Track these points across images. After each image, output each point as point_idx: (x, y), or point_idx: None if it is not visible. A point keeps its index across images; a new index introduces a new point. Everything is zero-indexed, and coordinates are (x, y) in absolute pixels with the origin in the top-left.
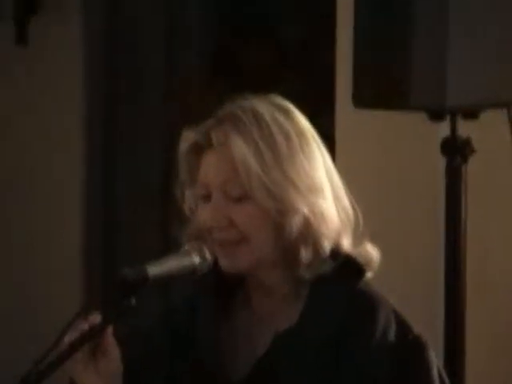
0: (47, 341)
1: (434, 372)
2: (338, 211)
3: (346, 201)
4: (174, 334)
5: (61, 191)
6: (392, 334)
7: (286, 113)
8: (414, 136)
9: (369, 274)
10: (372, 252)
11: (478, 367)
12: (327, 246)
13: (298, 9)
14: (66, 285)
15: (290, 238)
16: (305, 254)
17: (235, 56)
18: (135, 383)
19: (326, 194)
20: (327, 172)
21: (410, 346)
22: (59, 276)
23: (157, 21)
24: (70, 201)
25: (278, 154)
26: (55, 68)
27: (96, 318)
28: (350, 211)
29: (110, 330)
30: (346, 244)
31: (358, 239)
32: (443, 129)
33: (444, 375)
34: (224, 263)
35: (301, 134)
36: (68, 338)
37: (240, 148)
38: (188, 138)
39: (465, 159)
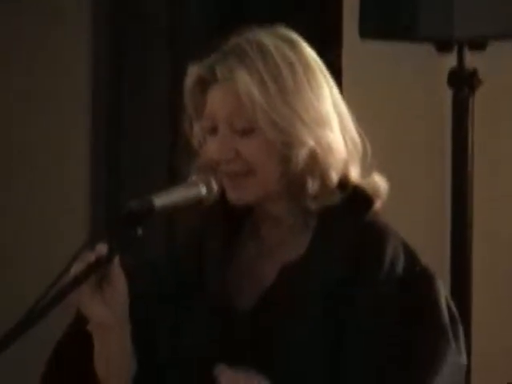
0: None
1: (442, 302)
2: (346, 142)
3: (353, 131)
4: (180, 265)
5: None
6: (400, 266)
7: (292, 44)
8: (422, 68)
9: (377, 205)
10: (380, 182)
11: (484, 302)
12: (334, 176)
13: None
14: None
15: (297, 170)
16: (311, 186)
17: None
18: (142, 314)
19: (333, 125)
20: (334, 103)
21: (417, 277)
22: None
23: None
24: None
25: (284, 87)
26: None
27: (102, 248)
28: (358, 141)
29: (116, 260)
30: (354, 174)
31: (366, 170)
32: (450, 62)
33: (452, 305)
34: (231, 195)
35: (307, 65)
36: (74, 270)
37: (245, 82)
38: (193, 72)
39: (472, 90)
